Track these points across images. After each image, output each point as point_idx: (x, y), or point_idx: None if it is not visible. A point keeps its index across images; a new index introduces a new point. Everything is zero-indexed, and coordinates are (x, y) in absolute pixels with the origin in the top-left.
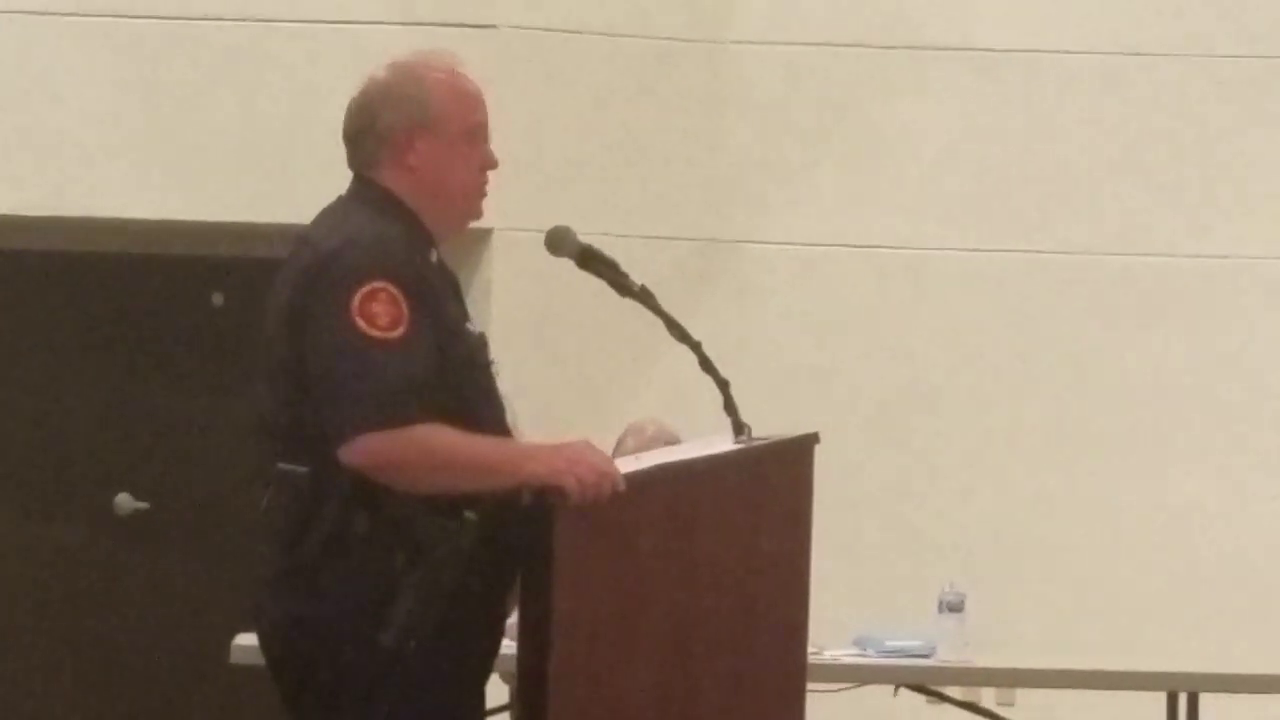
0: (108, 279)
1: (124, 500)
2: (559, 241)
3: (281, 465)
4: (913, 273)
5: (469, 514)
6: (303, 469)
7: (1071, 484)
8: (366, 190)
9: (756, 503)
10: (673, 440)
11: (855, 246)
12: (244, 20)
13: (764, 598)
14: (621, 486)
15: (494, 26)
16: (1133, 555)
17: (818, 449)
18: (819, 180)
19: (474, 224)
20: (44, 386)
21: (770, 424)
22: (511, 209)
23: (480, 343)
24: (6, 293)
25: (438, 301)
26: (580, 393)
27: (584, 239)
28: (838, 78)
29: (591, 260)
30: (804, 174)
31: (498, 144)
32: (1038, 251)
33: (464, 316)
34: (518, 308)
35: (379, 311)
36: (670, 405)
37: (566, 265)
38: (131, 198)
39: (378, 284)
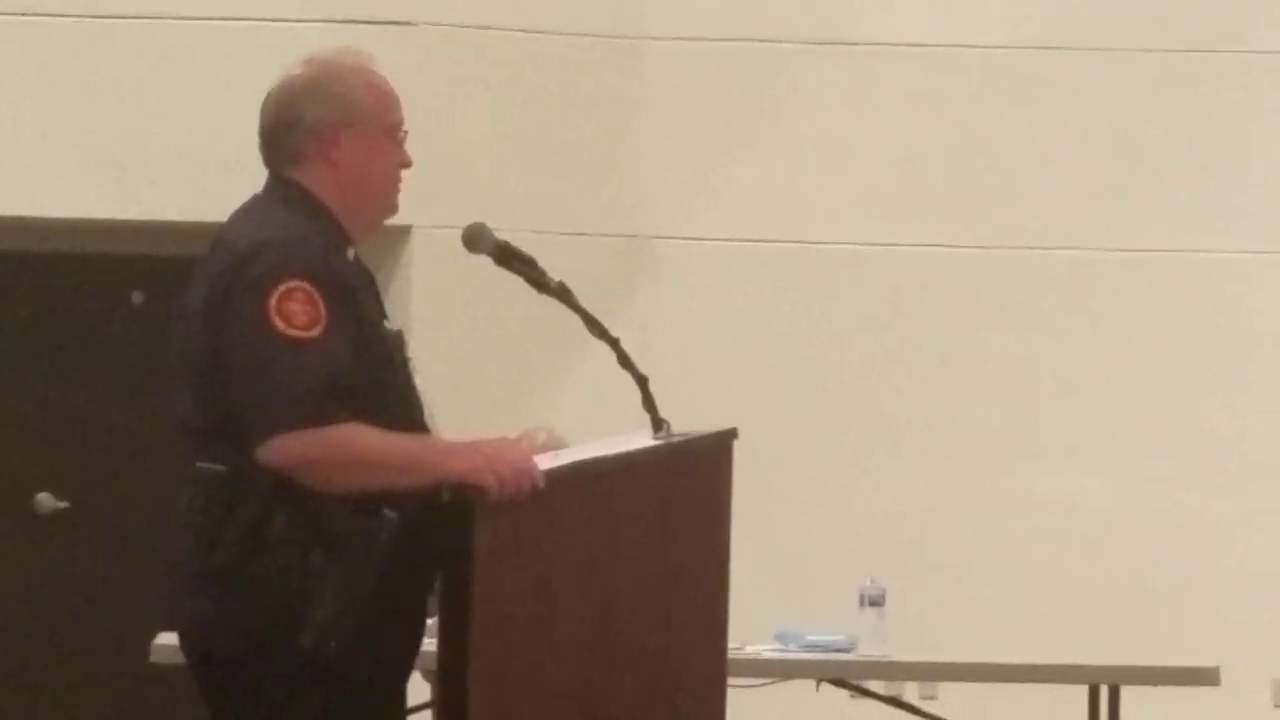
0: (27, 277)
1: (44, 499)
2: (476, 239)
3: (200, 465)
4: (832, 268)
5: (388, 512)
6: (221, 468)
7: (993, 479)
8: (282, 188)
9: (676, 498)
10: (555, 438)
11: (773, 242)
12: (160, 18)
13: (684, 593)
14: (541, 483)
15: (411, 24)
16: (1053, 549)
17: (737, 444)
18: (737, 176)
19: (393, 221)
20: None
21: (689, 420)
22: (430, 206)
23: (398, 340)
24: None
25: (355, 299)
26: (500, 389)
27: (502, 236)
28: (755, 73)
29: (509, 257)
30: (722, 170)
31: (415, 141)
32: (960, 246)
33: (381, 314)
34: (437, 305)
35: (296, 310)
36: (590, 401)
37: (485, 263)
38: (50, 196)
39: (295, 283)
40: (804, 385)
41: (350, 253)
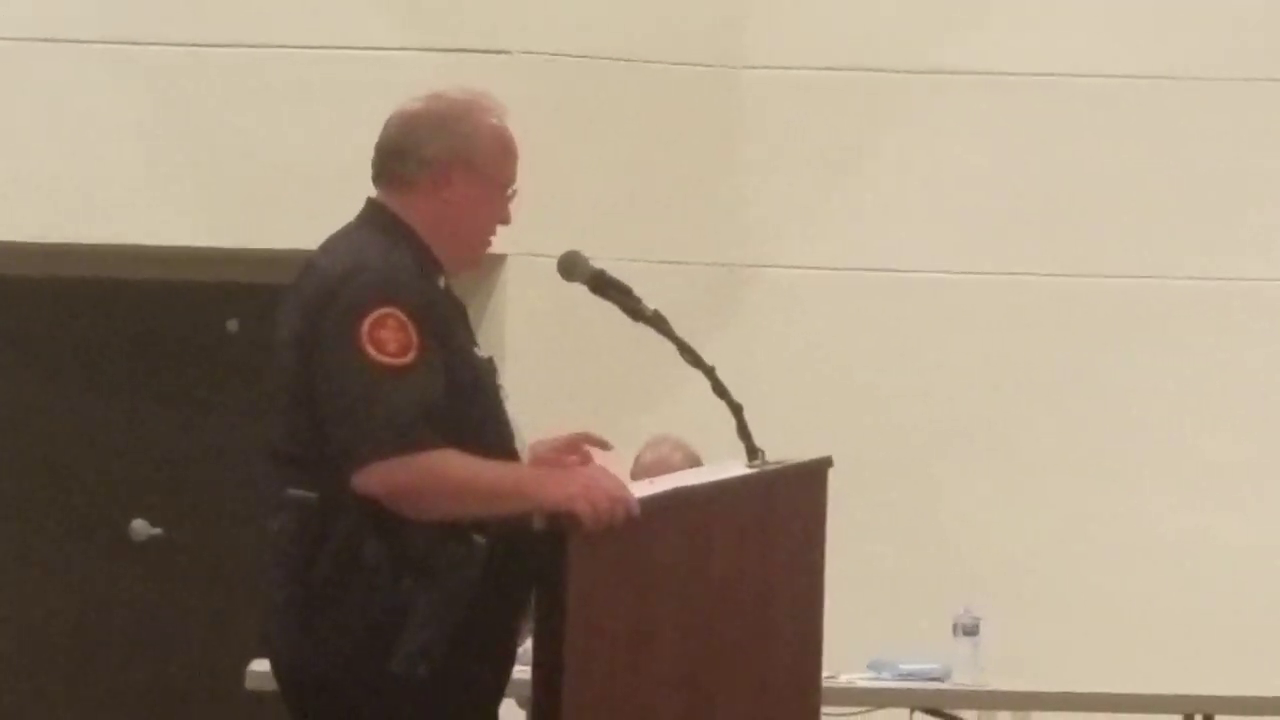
0: (123, 305)
1: (139, 526)
2: (571, 267)
3: (291, 491)
4: (927, 297)
5: (478, 538)
6: (312, 495)
7: (1087, 507)
8: (377, 215)
9: (770, 527)
10: (691, 455)
11: (870, 270)
12: (259, 46)
13: (778, 621)
14: (635, 511)
15: (508, 52)
16: (1148, 578)
17: (832, 472)
18: (834, 205)
19: (488, 249)
20: (59, 412)
21: (784, 448)
22: (525, 234)
23: (488, 367)
24: (22, 319)
25: (446, 326)
26: (594, 417)
27: (597, 264)
28: (852, 102)
29: (604, 285)
30: (818, 198)
31: None
32: (1054, 275)
33: (471, 341)
34: (531, 333)
35: (387, 338)
36: (684, 430)
37: (581, 290)
38: (147, 224)
39: (386, 310)
40: (900, 414)
41: (441, 281)
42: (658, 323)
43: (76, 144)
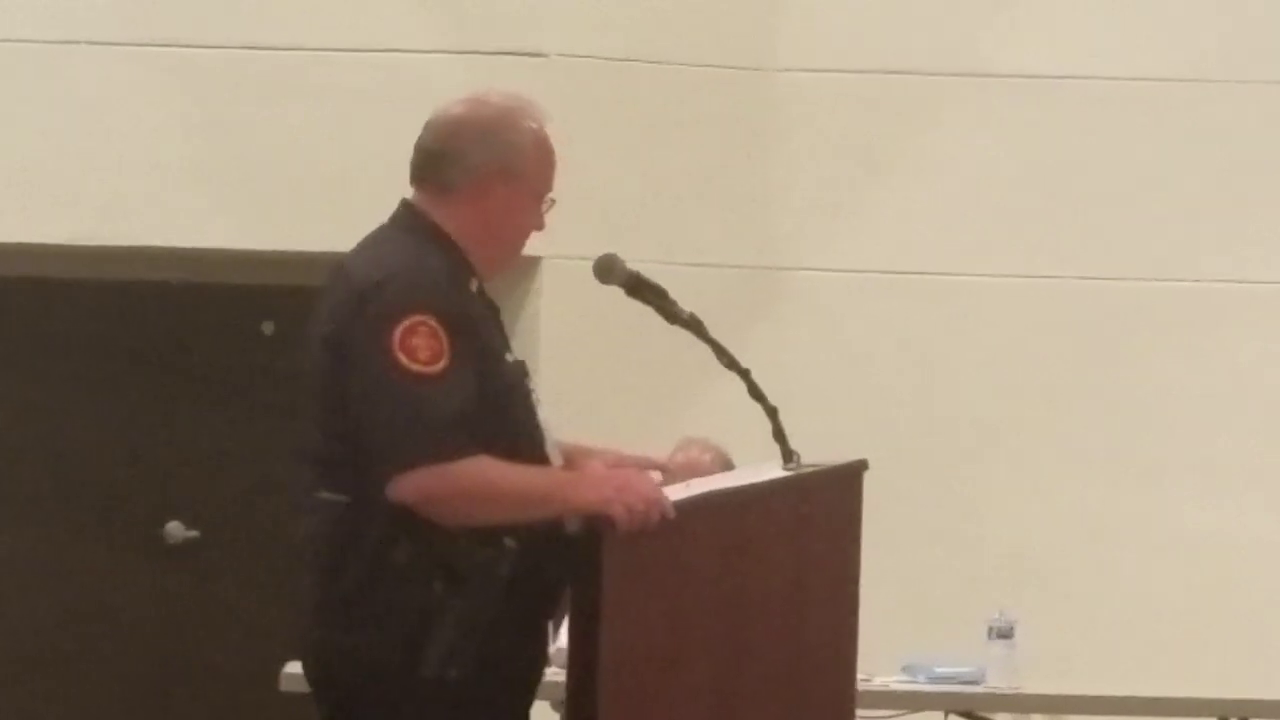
0: (158, 307)
1: (174, 528)
2: (607, 269)
3: (322, 494)
4: (959, 299)
5: (508, 541)
6: (343, 498)
7: (1122, 510)
8: (410, 218)
9: (805, 530)
10: (722, 457)
11: (904, 273)
12: (295, 49)
13: (813, 624)
14: (670, 514)
15: (544, 55)
16: (1184, 581)
17: (867, 475)
18: (866, 207)
19: (522, 251)
20: (95, 414)
21: (819, 451)
22: (560, 237)
23: (520, 371)
24: (57, 321)
25: (478, 331)
26: (629, 420)
27: (632, 266)
28: (884, 105)
29: (640, 288)
30: (851, 201)
31: None
32: (1087, 277)
33: (504, 345)
34: (566, 335)
35: (420, 345)
36: (719, 432)
37: (616, 293)
38: (182, 226)
39: (418, 317)
40: (934, 416)
41: (474, 284)
42: (693, 325)
43: (112, 147)
